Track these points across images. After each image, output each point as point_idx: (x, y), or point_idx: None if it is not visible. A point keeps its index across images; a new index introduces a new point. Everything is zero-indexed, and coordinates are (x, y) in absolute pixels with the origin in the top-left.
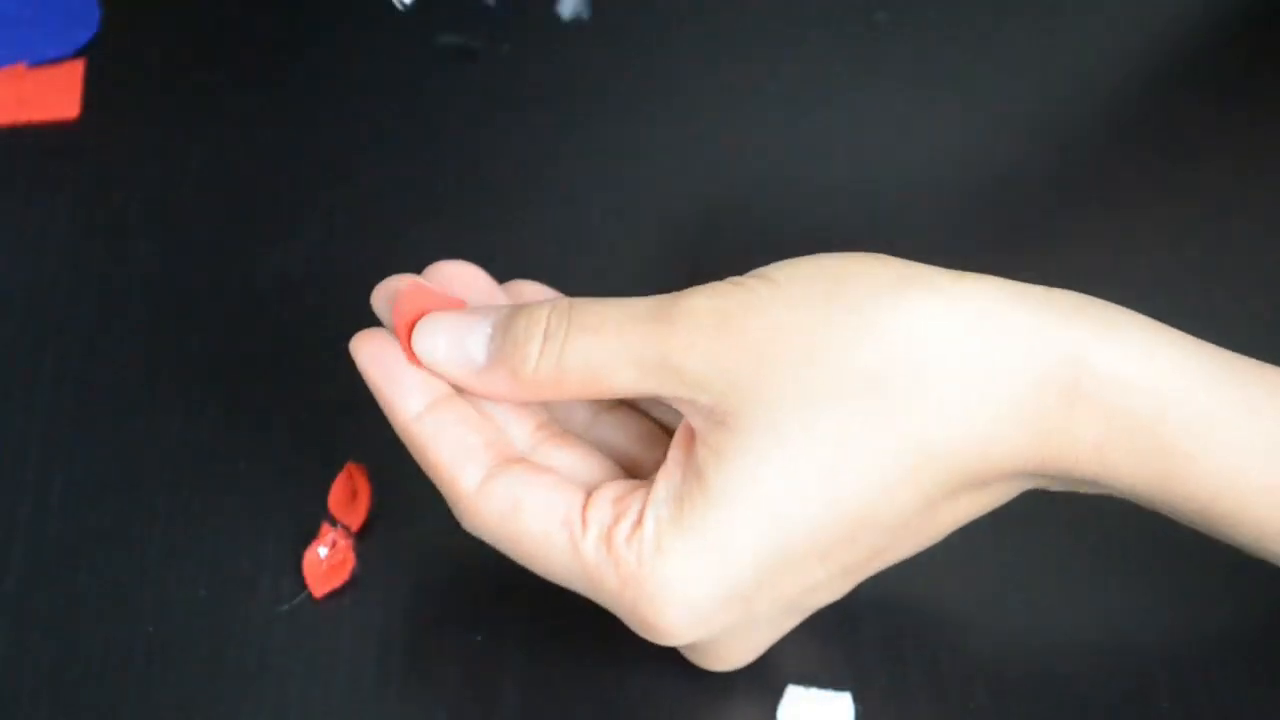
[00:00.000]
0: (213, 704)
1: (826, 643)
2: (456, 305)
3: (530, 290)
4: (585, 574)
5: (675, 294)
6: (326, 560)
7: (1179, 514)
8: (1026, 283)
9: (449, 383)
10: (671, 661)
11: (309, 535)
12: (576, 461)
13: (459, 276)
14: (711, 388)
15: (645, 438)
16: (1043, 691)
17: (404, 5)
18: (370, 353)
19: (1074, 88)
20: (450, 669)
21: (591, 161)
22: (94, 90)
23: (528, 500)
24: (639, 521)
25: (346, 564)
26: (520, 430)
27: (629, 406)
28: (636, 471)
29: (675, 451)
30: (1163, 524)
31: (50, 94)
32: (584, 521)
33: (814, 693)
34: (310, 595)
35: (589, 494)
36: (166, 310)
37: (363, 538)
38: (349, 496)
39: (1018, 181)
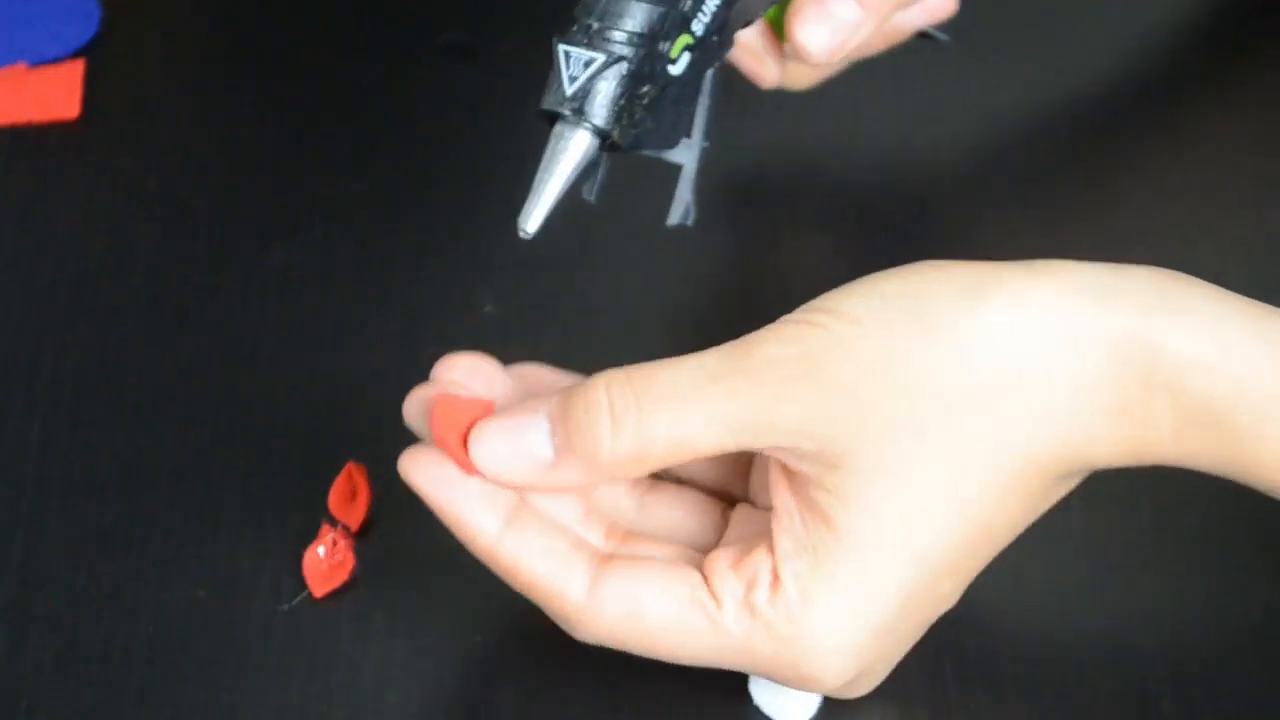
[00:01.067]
0: (213, 704)
1: None
2: (489, 407)
3: (534, 373)
4: (733, 647)
5: (744, 343)
6: (326, 560)
7: (1258, 488)
8: (1093, 263)
9: (516, 488)
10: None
11: (309, 535)
12: (664, 550)
13: (467, 368)
14: (813, 433)
15: (698, 507)
16: (1043, 691)
17: (525, 233)
18: (428, 476)
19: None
20: (450, 669)
21: None
22: (94, 90)
23: (646, 594)
24: (775, 580)
25: (346, 564)
26: (590, 532)
27: (672, 481)
28: (699, 543)
29: (785, 499)
30: (1162, 524)
31: (50, 94)
32: (715, 597)
33: None
34: (310, 595)
35: (700, 570)
36: (166, 310)
37: (363, 538)
38: (349, 496)
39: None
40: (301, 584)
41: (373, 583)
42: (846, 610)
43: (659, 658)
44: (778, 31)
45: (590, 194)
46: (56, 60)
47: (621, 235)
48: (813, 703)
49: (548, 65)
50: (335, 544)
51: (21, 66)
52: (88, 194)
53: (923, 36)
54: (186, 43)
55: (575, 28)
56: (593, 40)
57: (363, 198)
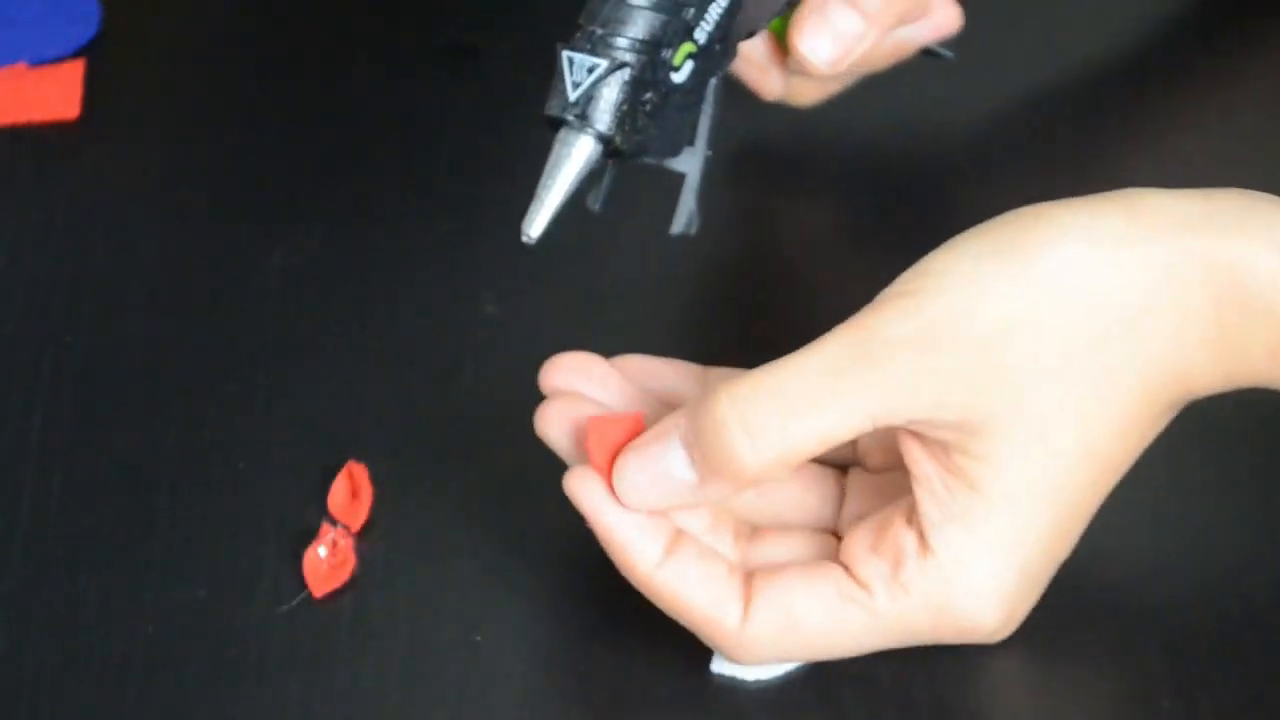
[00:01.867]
0: (213, 704)
1: None
2: (638, 421)
3: (639, 365)
4: (891, 629)
5: (861, 328)
6: (326, 560)
7: None
8: (1182, 190)
9: (668, 510)
10: (672, 662)
11: (309, 535)
12: (794, 543)
13: (576, 369)
14: (953, 403)
15: (814, 479)
16: (1043, 691)
17: (529, 238)
18: (595, 502)
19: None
20: (450, 669)
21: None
22: (94, 90)
23: (798, 601)
24: (924, 550)
25: (346, 564)
26: (720, 539)
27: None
28: (821, 517)
29: (926, 468)
30: (1162, 522)
31: (50, 94)
32: (863, 585)
33: None
34: (310, 595)
35: (839, 561)
36: (167, 310)
37: (363, 538)
38: (349, 496)
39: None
40: (301, 584)
41: (373, 583)
42: (1001, 565)
43: (822, 658)
44: (781, 44)
45: (596, 203)
46: (56, 60)
47: (622, 237)
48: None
49: (549, 67)
50: (335, 544)
51: (21, 66)
52: (88, 194)
53: (927, 54)
54: (186, 43)
55: (579, 34)
56: (596, 46)
57: (363, 198)
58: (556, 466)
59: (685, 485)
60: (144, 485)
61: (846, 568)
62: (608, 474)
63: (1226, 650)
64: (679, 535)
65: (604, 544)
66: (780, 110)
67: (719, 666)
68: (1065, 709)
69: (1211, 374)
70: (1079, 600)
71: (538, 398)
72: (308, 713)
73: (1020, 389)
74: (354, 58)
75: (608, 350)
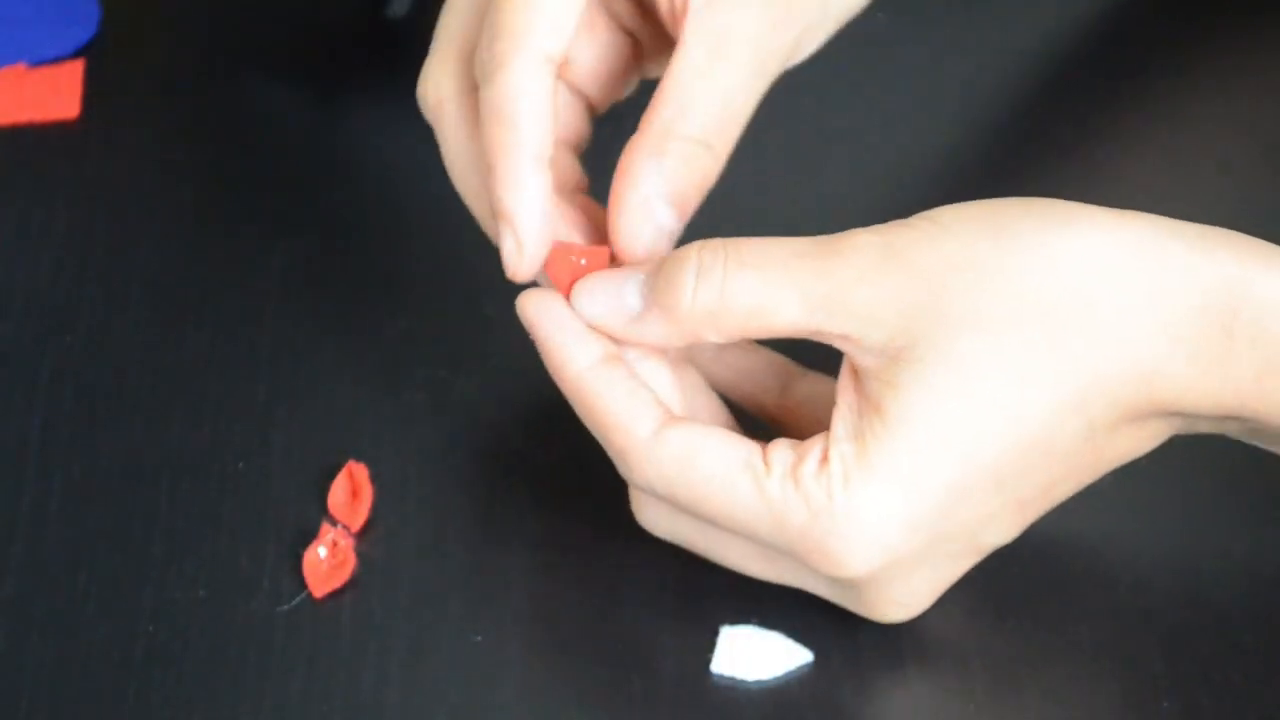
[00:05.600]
0: (213, 704)
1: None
2: (603, 254)
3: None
4: (770, 513)
5: (838, 234)
6: (326, 560)
7: None
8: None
9: (608, 335)
10: (672, 662)
11: (309, 535)
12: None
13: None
14: (883, 321)
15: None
16: (1042, 692)
17: (394, 13)
18: (537, 309)
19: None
20: (450, 669)
21: (592, 157)
22: (94, 90)
23: (705, 447)
24: (824, 459)
25: (346, 564)
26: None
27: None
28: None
29: (846, 392)
30: (1162, 521)
31: (50, 94)
32: (767, 464)
33: (749, 630)
34: (310, 595)
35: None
36: (166, 310)
37: (363, 538)
38: (349, 496)
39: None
40: (301, 584)
41: (373, 583)
42: (882, 495)
43: (701, 515)
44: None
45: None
46: (56, 60)
47: None
48: (777, 664)
49: None
50: (335, 544)
51: (21, 66)
52: (88, 194)
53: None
54: (186, 43)
55: None
56: None
57: (363, 198)
58: (556, 467)
59: (629, 314)
60: (144, 485)
61: (764, 451)
62: (566, 294)
63: (1226, 650)
64: (617, 358)
65: (541, 351)
66: (770, 118)
67: (719, 666)
68: (1065, 709)
69: (1191, 388)
70: (1078, 600)
71: (538, 398)
72: (308, 713)
73: (954, 332)
74: (355, 58)
75: None
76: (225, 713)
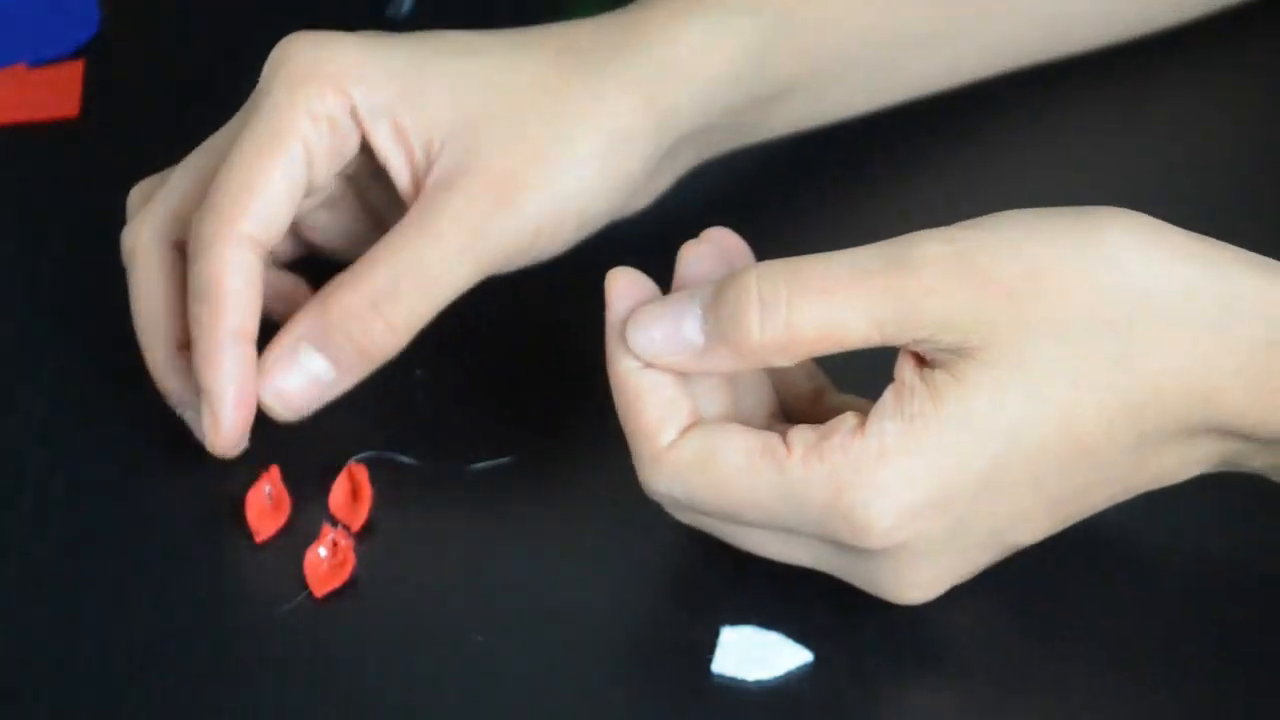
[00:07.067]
0: (213, 704)
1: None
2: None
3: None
4: (792, 490)
5: (904, 240)
6: (326, 560)
7: None
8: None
9: (669, 370)
10: (672, 662)
11: (309, 535)
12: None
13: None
14: (958, 326)
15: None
16: (1042, 692)
17: (395, 15)
18: (618, 291)
19: None
20: (450, 669)
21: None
22: (94, 90)
23: (722, 443)
24: (857, 432)
25: (346, 564)
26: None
27: None
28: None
29: (908, 375)
30: (1161, 521)
31: (50, 94)
32: (788, 446)
33: (749, 631)
34: (310, 595)
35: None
36: None
37: (363, 538)
38: (349, 496)
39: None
40: (301, 584)
41: (373, 583)
42: (918, 475)
43: (727, 511)
44: None
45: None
46: (56, 60)
47: (622, 239)
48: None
49: None
50: (335, 544)
51: (21, 66)
52: (88, 194)
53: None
54: (186, 43)
55: None
56: None
57: None
58: (556, 467)
59: (692, 349)
60: (144, 484)
61: (784, 435)
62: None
63: (1226, 650)
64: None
65: (607, 329)
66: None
67: (719, 666)
68: (1065, 709)
69: (1245, 413)
70: (1078, 599)
71: (538, 398)
72: (308, 713)
73: (1033, 339)
74: None
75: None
76: (225, 713)
